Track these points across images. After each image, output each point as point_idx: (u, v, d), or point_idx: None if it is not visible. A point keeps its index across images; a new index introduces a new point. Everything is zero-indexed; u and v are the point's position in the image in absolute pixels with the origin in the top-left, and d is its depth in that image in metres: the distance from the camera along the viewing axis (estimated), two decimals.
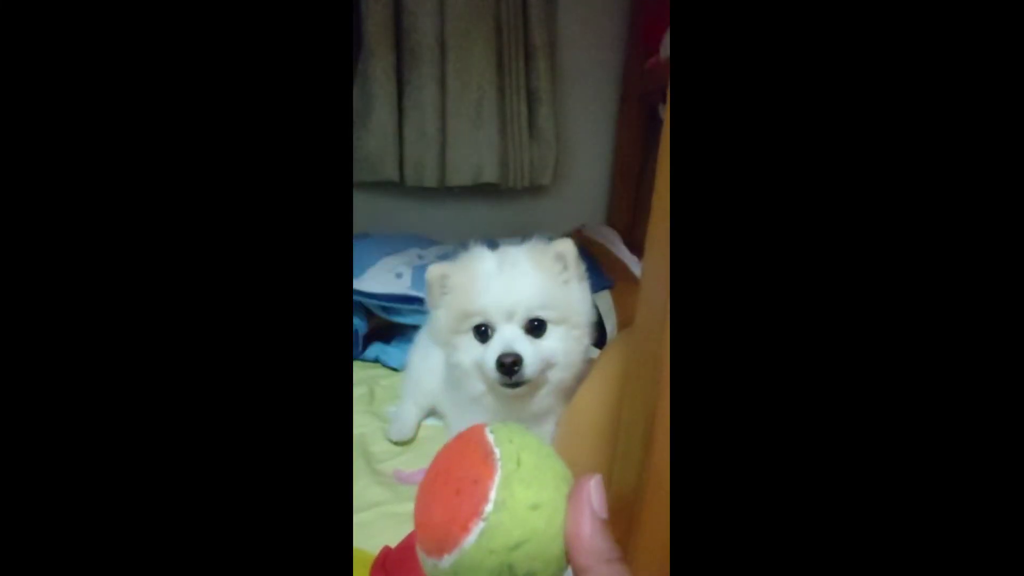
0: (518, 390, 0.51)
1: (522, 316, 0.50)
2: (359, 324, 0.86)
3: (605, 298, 0.86)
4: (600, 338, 0.77)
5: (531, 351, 0.49)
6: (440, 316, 0.55)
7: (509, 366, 0.48)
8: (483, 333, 0.52)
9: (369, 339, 0.88)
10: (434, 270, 0.55)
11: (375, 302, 0.83)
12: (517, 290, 0.50)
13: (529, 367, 0.49)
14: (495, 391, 0.52)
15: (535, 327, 0.51)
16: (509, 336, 0.50)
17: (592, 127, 1.24)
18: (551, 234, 1.09)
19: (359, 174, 1.06)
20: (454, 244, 0.58)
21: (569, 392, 0.54)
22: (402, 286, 0.82)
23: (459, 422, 0.62)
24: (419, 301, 0.78)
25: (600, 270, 0.91)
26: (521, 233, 1.08)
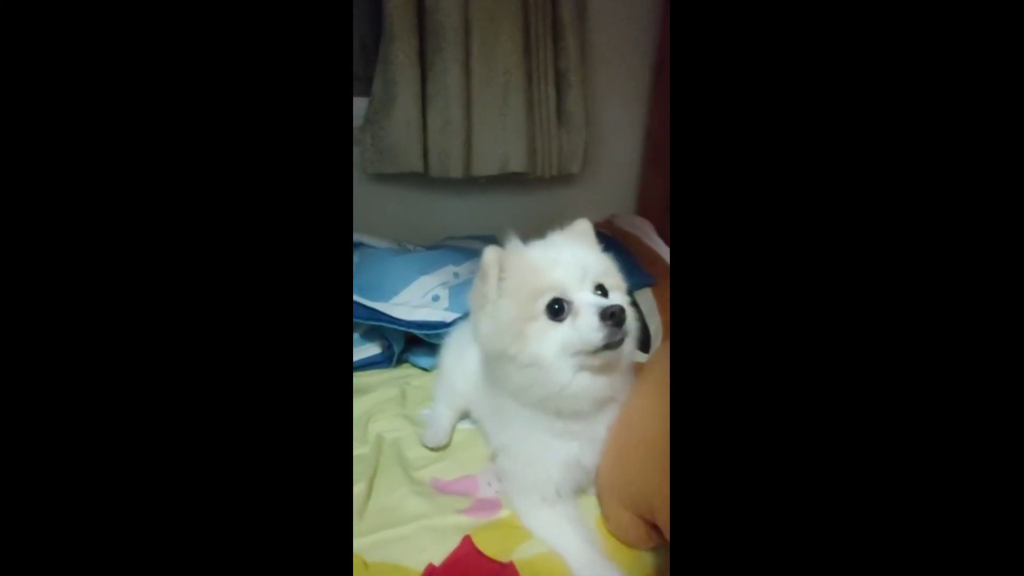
0: (618, 351, 0.49)
1: (591, 281, 0.50)
2: (395, 344, 0.84)
3: (646, 296, 0.81)
4: (644, 340, 0.74)
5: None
6: (504, 306, 0.50)
7: (618, 314, 0.47)
8: (556, 311, 0.49)
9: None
10: (490, 254, 0.51)
11: (415, 330, 0.81)
12: (583, 255, 0.51)
13: (628, 318, 0.48)
14: (587, 367, 0.49)
15: (603, 294, 0.51)
16: (592, 297, 0.49)
17: (623, 111, 1.18)
18: None
19: (382, 165, 1.03)
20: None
21: (625, 377, 0.53)
22: (439, 309, 0.81)
23: (499, 431, 0.59)
24: (459, 322, 0.76)
25: (639, 266, 0.86)
26: (549, 225, 1.04)
